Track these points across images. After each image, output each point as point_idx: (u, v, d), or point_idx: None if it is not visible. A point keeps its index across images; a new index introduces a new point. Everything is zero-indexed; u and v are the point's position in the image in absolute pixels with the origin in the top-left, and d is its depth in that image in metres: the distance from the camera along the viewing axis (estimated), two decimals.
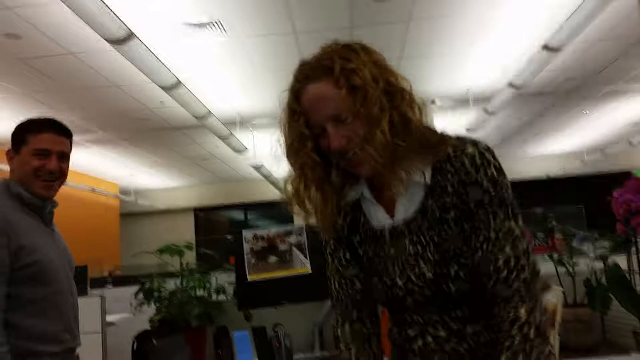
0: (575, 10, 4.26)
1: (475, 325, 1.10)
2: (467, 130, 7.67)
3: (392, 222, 1.15)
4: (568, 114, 8.95)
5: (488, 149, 1.08)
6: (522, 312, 1.02)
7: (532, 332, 1.01)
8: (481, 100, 7.14)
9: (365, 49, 1.11)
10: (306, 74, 1.11)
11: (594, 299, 2.36)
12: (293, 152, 1.14)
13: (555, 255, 2.55)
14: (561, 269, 2.50)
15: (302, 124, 1.12)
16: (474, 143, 1.08)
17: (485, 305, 1.08)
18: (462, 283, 1.07)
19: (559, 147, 11.96)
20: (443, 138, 1.11)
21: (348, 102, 1.06)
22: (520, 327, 1.02)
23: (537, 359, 1.01)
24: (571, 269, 2.48)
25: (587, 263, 2.51)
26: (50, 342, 1.77)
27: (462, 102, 7.36)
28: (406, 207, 1.13)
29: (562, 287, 2.30)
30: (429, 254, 1.09)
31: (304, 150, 1.13)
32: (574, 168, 12.19)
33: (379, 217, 1.18)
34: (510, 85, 6.20)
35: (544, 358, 1.01)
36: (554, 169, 12.57)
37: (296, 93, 1.12)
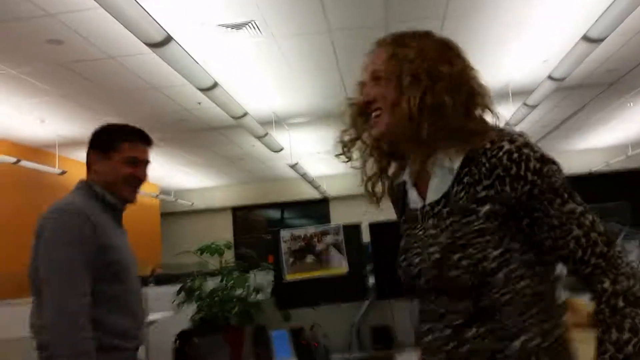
0: (615, 0, 4.14)
1: (478, 328, 1.08)
2: (507, 124, 7.49)
3: (423, 203, 1.19)
4: (610, 106, 8.71)
5: (526, 144, 1.06)
6: (607, 284, 1.02)
7: (620, 302, 1.00)
8: (521, 94, 7.01)
9: (437, 38, 1.21)
10: (376, 43, 1.24)
11: None
12: (346, 105, 1.30)
13: None
14: None
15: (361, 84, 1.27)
16: (511, 139, 1.07)
17: (489, 307, 1.07)
18: (462, 273, 1.07)
19: (602, 141, 11.64)
20: (481, 129, 1.12)
21: (387, 66, 1.17)
22: (607, 299, 1.01)
23: (631, 327, 0.98)
24: None
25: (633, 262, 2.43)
26: (129, 338, 1.85)
27: (501, 96, 7.22)
28: (435, 191, 1.16)
29: None
30: (444, 238, 1.10)
31: (355, 102, 1.27)
32: (618, 162, 11.84)
33: (414, 199, 1.23)
34: (551, 78, 6.06)
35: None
36: (597, 163, 12.25)
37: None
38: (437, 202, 1.15)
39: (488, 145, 1.08)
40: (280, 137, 8.29)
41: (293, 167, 9.36)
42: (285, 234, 2.79)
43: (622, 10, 4.19)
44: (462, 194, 1.10)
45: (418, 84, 1.13)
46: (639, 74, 7.04)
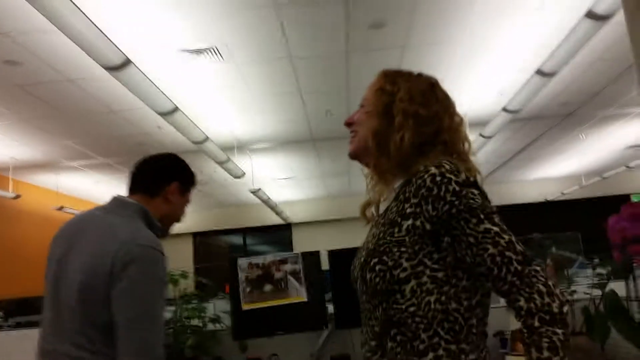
0: (567, 35, 4.30)
1: (393, 340, 1.13)
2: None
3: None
4: (564, 138, 8.99)
5: (452, 170, 1.14)
6: (522, 302, 1.04)
7: (535, 321, 1.02)
8: (477, 125, 7.17)
9: (426, 80, 1.36)
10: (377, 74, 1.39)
11: (593, 327, 2.33)
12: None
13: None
14: None
15: None
16: (439, 165, 1.15)
17: (397, 317, 1.13)
18: (374, 276, 1.15)
19: (557, 171, 11.98)
20: (423, 160, 1.22)
21: (372, 97, 1.32)
22: (524, 319, 1.03)
23: (550, 346, 0.99)
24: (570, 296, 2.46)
25: (585, 290, 2.48)
26: None
27: None
28: (383, 207, 1.30)
29: None
30: (371, 244, 1.20)
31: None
32: (572, 191, 12.18)
33: (375, 214, 1.36)
34: (506, 110, 6.23)
35: (559, 343, 0.99)
36: (552, 193, 12.58)
37: None
38: (381, 215, 1.27)
39: (420, 169, 1.17)
40: (242, 162, 8.24)
41: (255, 192, 9.30)
42: (242, 262, 2.76)
43: (574, 45, 4.35)
44: (394, 209, 1.20)
45: (391, 120, 1.26)
46: (591, 107, 7.30)
